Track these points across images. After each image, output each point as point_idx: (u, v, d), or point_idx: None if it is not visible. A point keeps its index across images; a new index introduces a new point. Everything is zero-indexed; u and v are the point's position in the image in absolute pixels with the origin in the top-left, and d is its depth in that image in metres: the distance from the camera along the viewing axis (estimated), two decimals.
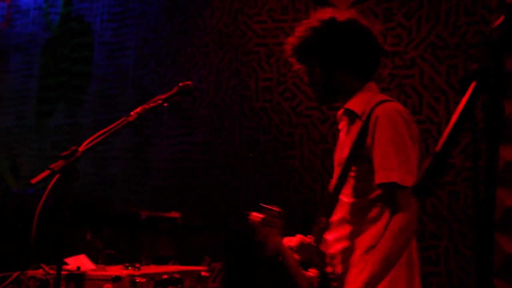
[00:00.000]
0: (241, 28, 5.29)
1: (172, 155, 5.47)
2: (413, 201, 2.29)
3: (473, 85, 1.35)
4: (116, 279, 3.08)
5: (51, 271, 2.93)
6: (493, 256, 3.48)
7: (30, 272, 3.18)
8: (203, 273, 3.50)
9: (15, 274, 3.16)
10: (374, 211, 2.38)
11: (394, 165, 2.27)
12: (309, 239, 2.49)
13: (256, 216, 2.53)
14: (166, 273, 3.29)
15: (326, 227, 2.46)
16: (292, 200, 4.83)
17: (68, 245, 3.56)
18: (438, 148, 1.39)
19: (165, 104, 2.85)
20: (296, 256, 2.55)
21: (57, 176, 2.46)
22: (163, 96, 2.85)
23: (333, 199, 2.47)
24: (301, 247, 2.51)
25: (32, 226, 2.46)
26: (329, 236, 2.46)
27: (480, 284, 1.36)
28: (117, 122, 2.76)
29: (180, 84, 2.87)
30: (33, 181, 2.42)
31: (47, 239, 2.75)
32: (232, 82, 5.28)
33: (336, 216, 2.45)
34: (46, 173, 2.41)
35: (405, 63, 4.69)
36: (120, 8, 5.92)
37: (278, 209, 2.53)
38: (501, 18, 1.43)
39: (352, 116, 2.48)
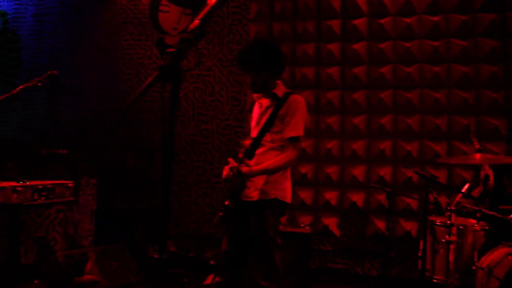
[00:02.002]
0: (115, 43, 5.12)
1: (73, 118, 5.20)
2: (299, 148, 2.46)
3: (155, 73, 1.45)
4: (1, 188, 2.89)
5: None
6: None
7: None
8: (69, 185, 3.32)
9: None
10: (279, 150, 2.46)
11: (301, 128, 2.44)
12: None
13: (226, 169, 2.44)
14: (41, 184, 3.07)
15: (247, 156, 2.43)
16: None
17: None
18: (125, 106, 1.45)
19: (39, 84, 2.74)
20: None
21: None
22: (38, 79, 2.73)
23: (255, 145, 2.48)
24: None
25: None
26: (251, 162, 2.45)
27: None
28: (8, 94, 2.62)
29: (49, 72, 2.76)
30: None
31: None
32: (109, 75, 5.12)
33: (258, 153, 2.46)
34: None
35: (205, 67, 4.79)
36: (39, 27, 5.46)
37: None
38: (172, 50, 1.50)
39: (274, 97, 2.50)
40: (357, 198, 4.26)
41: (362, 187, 4.23)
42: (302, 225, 4.12)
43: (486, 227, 3.07)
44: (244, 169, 2.38)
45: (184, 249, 4.63)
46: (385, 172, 4.20)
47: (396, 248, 4.17)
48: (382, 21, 4.26)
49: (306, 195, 4.36)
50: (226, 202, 2.45)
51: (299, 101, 2.49)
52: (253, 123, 2.62)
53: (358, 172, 4.26)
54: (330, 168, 4.32)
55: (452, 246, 2.94)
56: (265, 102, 2.55)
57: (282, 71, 2.56)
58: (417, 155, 4.15)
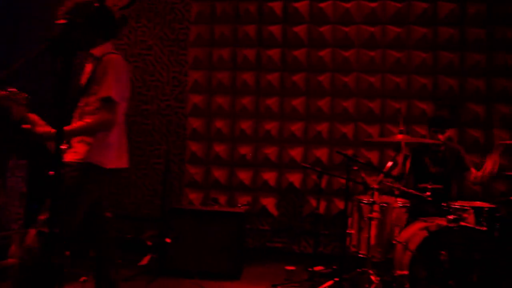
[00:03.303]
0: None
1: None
2: (114, 110, 2.28)
3: (44, 45, 1.37)
4: None
5: None
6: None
7: None
8: None
9: None
10: (95, 111, 2.30)
11: (112, 88, 2.27)
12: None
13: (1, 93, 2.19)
14: None
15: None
16: None
17: None
18: (1, 75, 1.36)
19: None
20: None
21: None
22: None
23: (72, 108, 2.34)
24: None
25: None
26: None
27: None
28: None
29: None
30: None
31: None
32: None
33: (76, 115, 2.34)
34: None
35: (147, 46, 4.66)
36: None
37: (23, 94, 2.22)
38: (63, 21, 1.41)
39: (94, 58, 2.38)
40: (295, 178, 4.34)
41: (300, 168, 4.31)
42: (240, 205, 4.15)
43: (408, 204, 3.22)
44: (39, 129, 2.19)
45: (122, 230, 4.56)
46: (322, 153, 4.30)
47: (332, 226, 4.30)
48: (322, 4, 4.30)
49: (245, 176, 4.40)
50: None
51: (113, 60, 2.36)
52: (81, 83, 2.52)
53: (296, 153, 4.34)
54: (269, 149, 4.37)
55: (373, 223, 3.07)
56: (89, 66, 2.44)
57: (107, 36, 2.43)
58: (352, 137, 4.27)
